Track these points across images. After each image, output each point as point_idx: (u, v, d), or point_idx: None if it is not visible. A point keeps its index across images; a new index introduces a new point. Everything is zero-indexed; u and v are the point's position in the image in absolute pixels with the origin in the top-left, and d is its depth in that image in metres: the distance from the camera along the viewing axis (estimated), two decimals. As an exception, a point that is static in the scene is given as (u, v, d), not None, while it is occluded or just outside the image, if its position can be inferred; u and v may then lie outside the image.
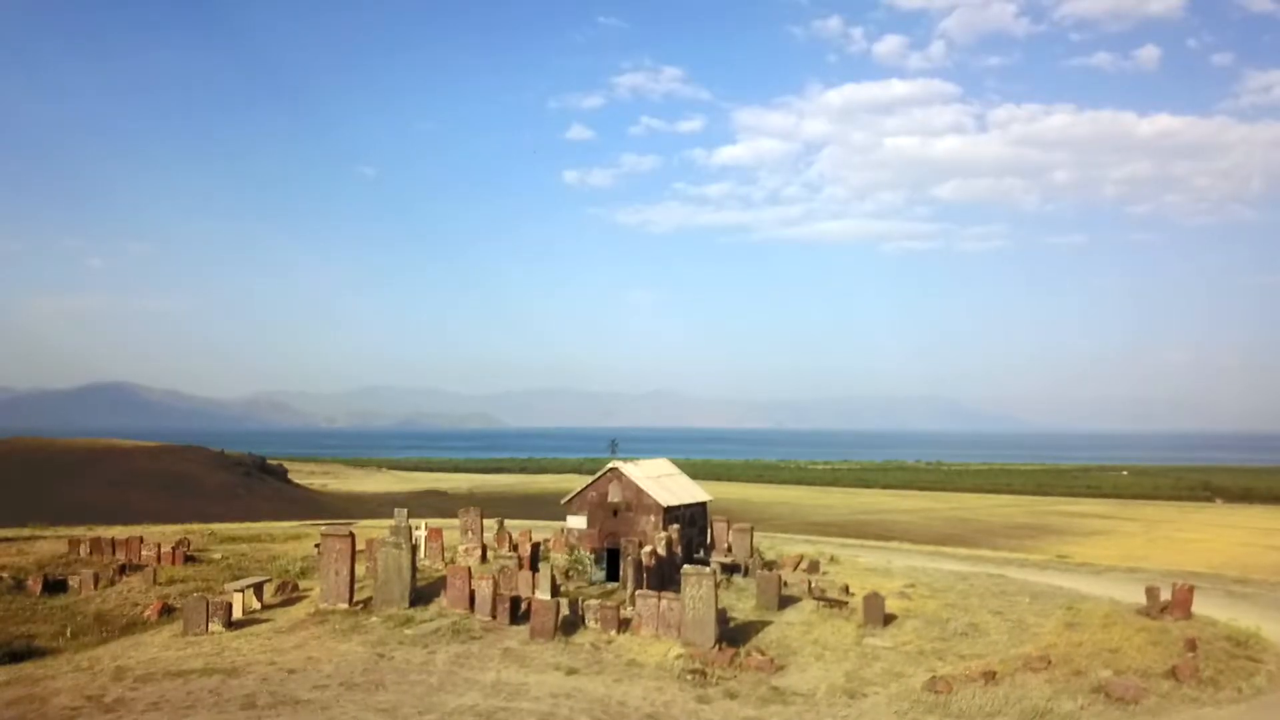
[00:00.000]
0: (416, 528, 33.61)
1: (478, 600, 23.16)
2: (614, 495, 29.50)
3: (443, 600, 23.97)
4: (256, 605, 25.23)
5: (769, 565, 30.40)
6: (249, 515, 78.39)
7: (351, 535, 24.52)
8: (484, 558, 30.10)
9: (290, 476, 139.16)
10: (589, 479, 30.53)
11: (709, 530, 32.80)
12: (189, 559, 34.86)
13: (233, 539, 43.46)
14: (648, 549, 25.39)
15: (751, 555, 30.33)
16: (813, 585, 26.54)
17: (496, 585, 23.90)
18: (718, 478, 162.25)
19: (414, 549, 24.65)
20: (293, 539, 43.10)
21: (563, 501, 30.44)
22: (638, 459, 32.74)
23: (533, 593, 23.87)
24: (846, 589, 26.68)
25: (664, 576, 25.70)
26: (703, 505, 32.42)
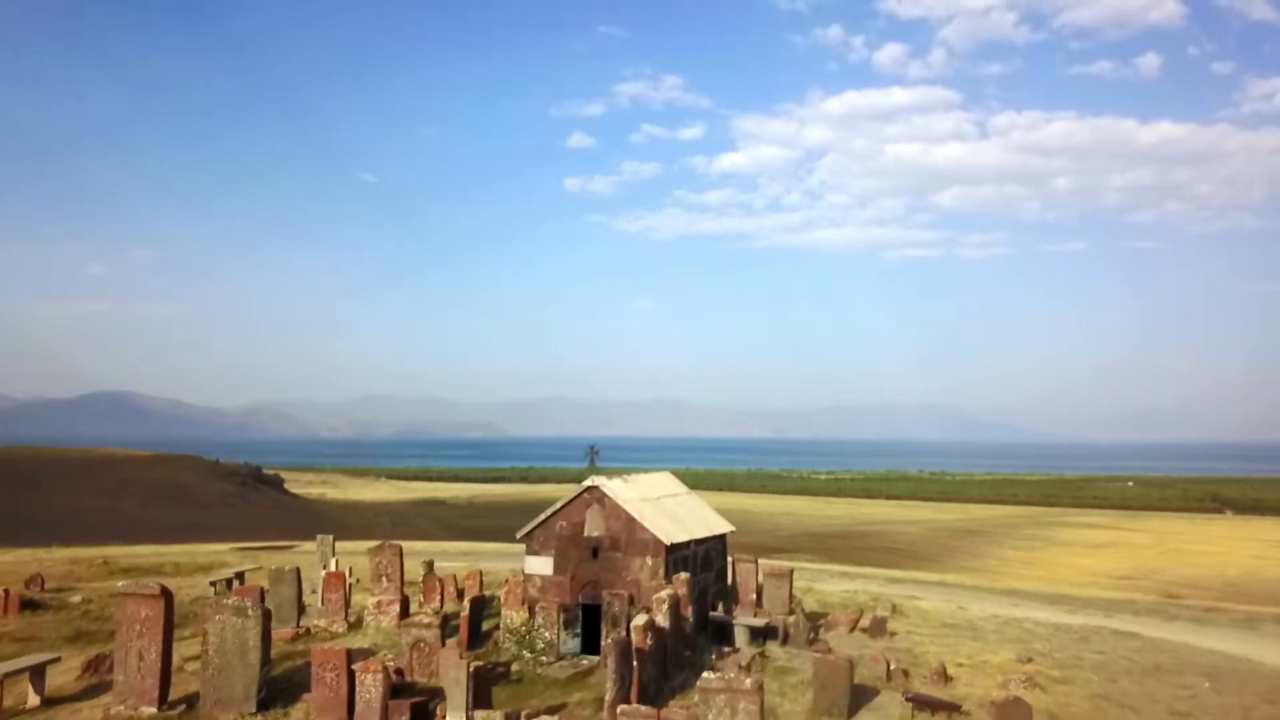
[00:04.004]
0: (325, 565, 24.87)
1: (359, 706, 14.25)
2: (593, 526, 19.98)
3: (309, 702, 15.12)
4: (33, 700, 16.29)
5: (815, 623, 21.36)
6: (243, 525, 76.27)
7: (164, 595, 15.51)
8: (404, 614, 21.00)
9: (288, 486, 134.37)
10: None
11: (730, 573, 23.32)
12: (29, 605, 25.91)
13: (129, 569, 34.78)
14: (640, 620, 16.04)
15: (792, 610, 21.20)
16: (892, 667, 17.36)
17: (394, 676, 15.09)
18: (719, 488, 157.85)
19: (267, 617, 15.56)
20: (201, 570, 34.53)
21: (519, 534, 21.32)
22: (630, 473, 23.79)
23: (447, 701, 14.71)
24: (944, 672, 17.59)
25: (668, 660, 16.50)
26: (720, 539, 22.72)
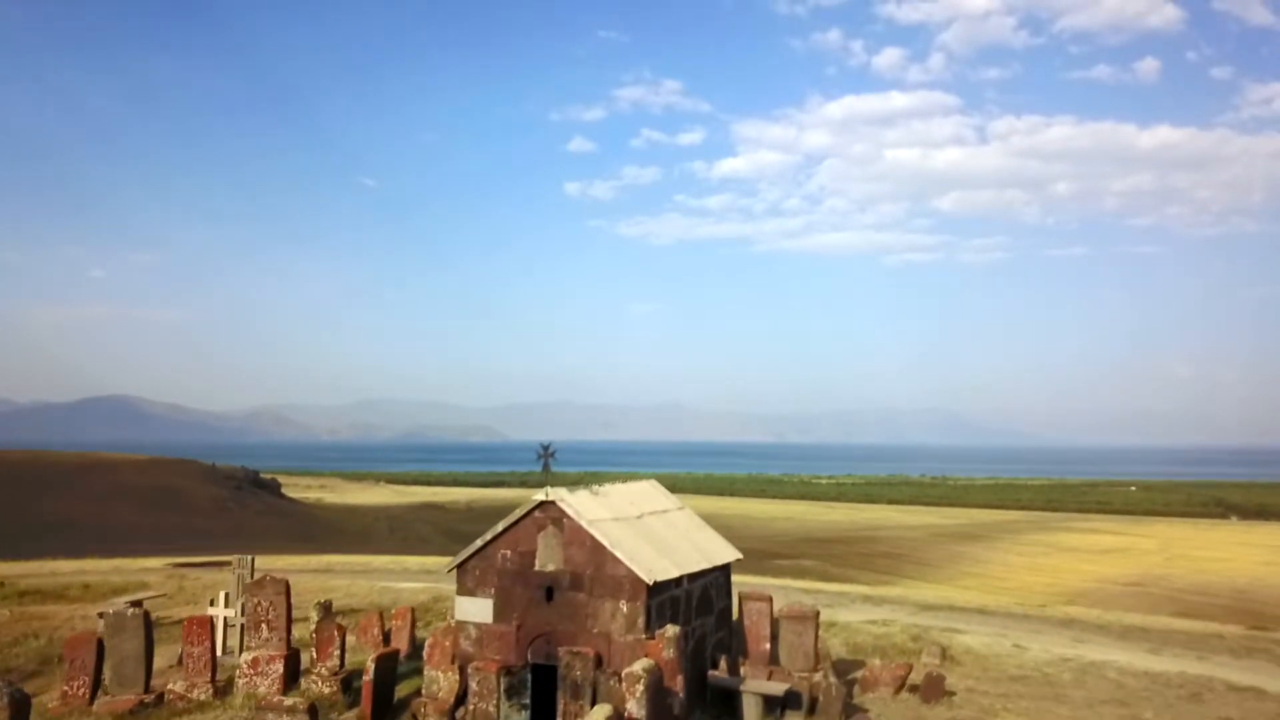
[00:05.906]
0: (214, 599, 19.51)
1: None
2: (547, 557, 14.20)
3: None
4: None
5: (849, 680, 15.98)
6: (238, 530, 76.37)
7: None
8: (293, 675, 15.62)
9: (285, 490, 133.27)
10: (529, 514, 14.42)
11: (734, 613, 16.94)
12: None
13: (26, 593, 29.59)
14: (601, 714, 10.35)
15: (818, 665, 15.84)
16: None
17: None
18: (720, 493, 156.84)
19: (20, 705, 10.26)
20: (115, 592, 29.32)
21: (449, 567, 15.19)
22: (603, 480, 18.39)
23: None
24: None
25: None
26: (723, 571, 16.63)
